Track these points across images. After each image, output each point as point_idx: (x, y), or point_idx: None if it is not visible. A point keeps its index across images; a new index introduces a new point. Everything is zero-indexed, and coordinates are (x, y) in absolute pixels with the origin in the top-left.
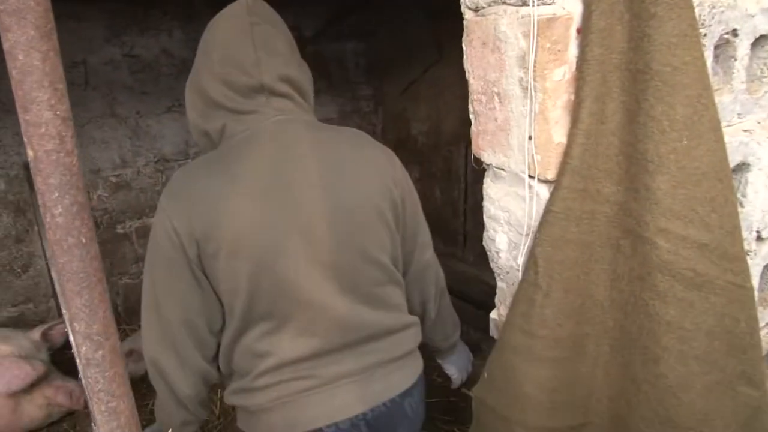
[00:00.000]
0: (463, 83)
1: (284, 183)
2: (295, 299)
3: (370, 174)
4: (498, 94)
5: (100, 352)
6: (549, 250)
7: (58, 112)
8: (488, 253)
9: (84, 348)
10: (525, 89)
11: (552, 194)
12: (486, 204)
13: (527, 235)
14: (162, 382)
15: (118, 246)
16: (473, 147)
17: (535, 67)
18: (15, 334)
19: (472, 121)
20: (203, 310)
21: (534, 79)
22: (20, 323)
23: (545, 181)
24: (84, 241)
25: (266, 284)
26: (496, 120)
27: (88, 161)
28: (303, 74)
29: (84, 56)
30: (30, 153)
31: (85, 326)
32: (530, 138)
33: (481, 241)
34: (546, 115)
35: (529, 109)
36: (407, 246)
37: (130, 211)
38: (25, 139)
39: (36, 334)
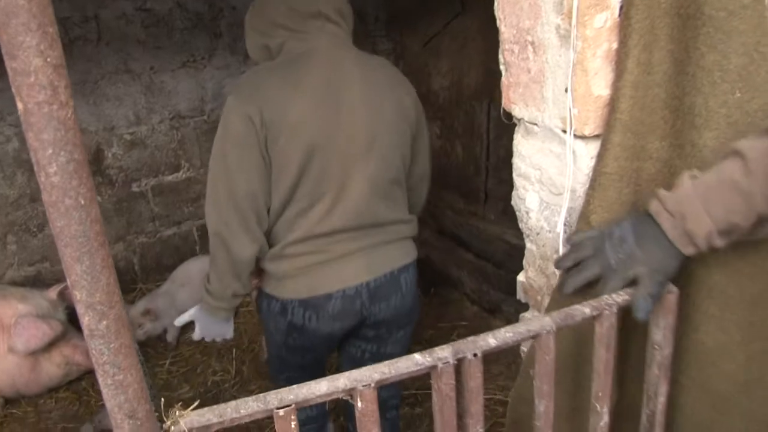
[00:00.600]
0: (487, 36)
1: (335, 91)
2: (328, 185)
3: (397, 93)
4: (532, 43)
5: (104, 323)
6: (605, 215)
7: (48, 59)
8: (517, 213)
9: (87, 318)
10: (562, 37)
11: (602, 154)
12: (516, 161)
13: (560, 194)
14: (224, 251)
15: (134, 204)
16: (503, 100)
17: (574, 12)
18: (32, 294)
19: (503, 73)
20: (264, 187)
21: (573, 26)
22: (37, 282)
23: (582, 137)
24: (83, 202)
25: (311, 169)
26: (529, 71)
27: (102, 118)
28: (349, 10)
29: (96, 11)
30: (20, 105)
31: (86, 295)
32: (567, 90)
33: (503, 199)
34: (585, 66)
35: (567, 59)
36: (414, 158)
37: (145, 168)
38: (13, 90)
39: (53, 293)
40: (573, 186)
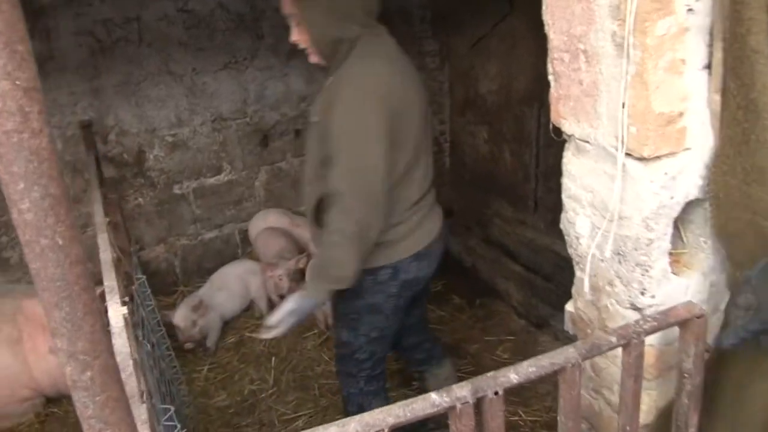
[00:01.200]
0: (538, 38)
1: (409, 79)
2: (419, 158)
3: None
4: (584, 51)
5: (88, 374)
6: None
7: (18, 81)
8: (566, 237)
9: (69, 368)
10: (619, 46)
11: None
12: (565, 181)
13: (612, 221)
14: (360, 238)
15: (176, 206)
16: (552, 114)
17: (633, 18)
18: None
19: (551, 84)
20: (388, 169)
21: (631, 34)
22: None
23: (641, 159)
24: (61, 242)
25: (415, 149)
26: (581, 83)
27: (143, 120)
28: None
29: (137, 12)
30: None
31: (67, 343)
32: (623, 106)
33: (553, 208)
34: (645, 79)
35: (624, 71)
36: None
37: (187, 171)
38: None
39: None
40: (628, 212)
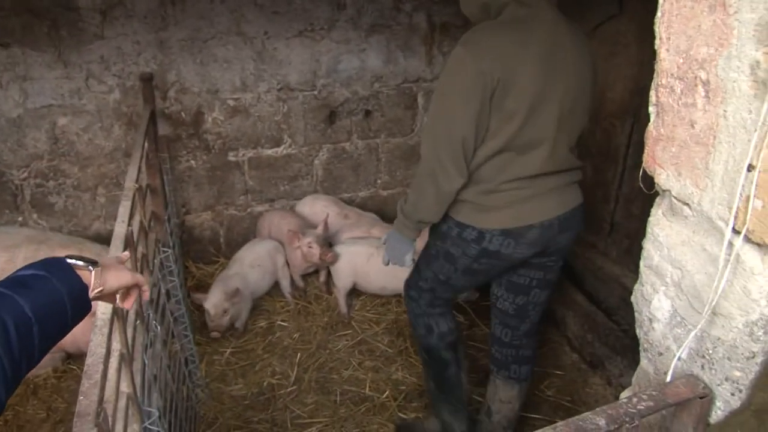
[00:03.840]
0: (644, 46)
1: (554, 54)
2: (542, 136)
3: (591, 59)
4: (705, 83)
5: None
6: None
7: None
8: (636, 315)
9: None
10: (761, 83)
11: None
12: (648, 247)
13: (707, 314)
14: (431, 182)
15: (228, 174)
16: (645, 158)
17: None
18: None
19: (651, 118)
20: (478, 133)
21: None
22: None
23: (761, 245)
24: None
25: (530, 123)
26: (692, 125)
27: (206, 80)
28: None
29: None
30: None
31: None
32: (751, 168)
33: (631, 236)
34: None
35: (762, 119)
36: None
37: (244, 138)
38: None
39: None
40: (727, 310)
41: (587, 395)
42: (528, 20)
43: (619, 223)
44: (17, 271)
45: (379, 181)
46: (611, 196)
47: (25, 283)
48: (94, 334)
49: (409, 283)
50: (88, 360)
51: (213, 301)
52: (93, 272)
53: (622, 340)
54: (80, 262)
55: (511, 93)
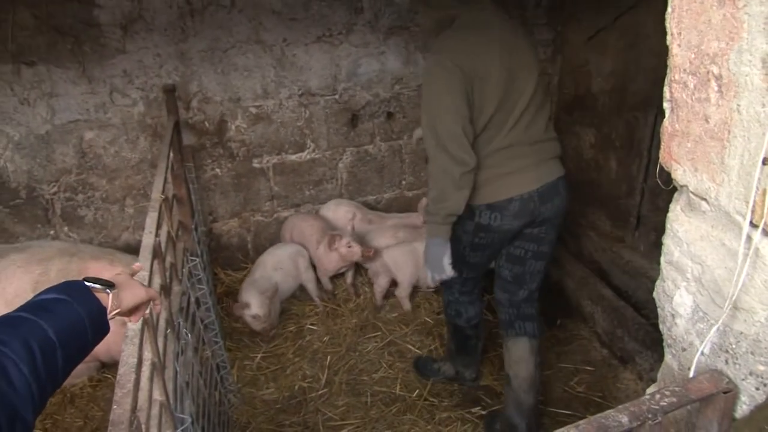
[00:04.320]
0: (664, 36)
1: (505, 46)
2: (509, 115)
3: (530, 41)
4: (718, 78)
5: None
6: None
7: None
8: (659, 311)
9: None
10: None
11: None
12: (668, 243)
13: (729, 308)
14: (449, 176)
15: (253, 181)
16: (662, 154)
17: None
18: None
19: (666, 114)
20: (469, 119)
21: None
22: None
23: None
24: None
25: (500, 106)
26: (706, 120)
27: (228, 89)
28: None
29: None
30: None
31: None
32: (766, 162)
33: (658, 229)
34: None
35: None
36: None
37: (268, 145)
38: None
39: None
40: (748, 304)
41: (618, 390)
42: (481, 23)
43: (646, 217)
44: (38, 295)
45: (404, 182)
46: (636, 190)
47: (48, 308)
48: (125, 344)
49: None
50: (121, 370)
51: (256, 303)
52: (110, 294)
53: (651, 335)
54: (98, 285)
55: (484, 83)
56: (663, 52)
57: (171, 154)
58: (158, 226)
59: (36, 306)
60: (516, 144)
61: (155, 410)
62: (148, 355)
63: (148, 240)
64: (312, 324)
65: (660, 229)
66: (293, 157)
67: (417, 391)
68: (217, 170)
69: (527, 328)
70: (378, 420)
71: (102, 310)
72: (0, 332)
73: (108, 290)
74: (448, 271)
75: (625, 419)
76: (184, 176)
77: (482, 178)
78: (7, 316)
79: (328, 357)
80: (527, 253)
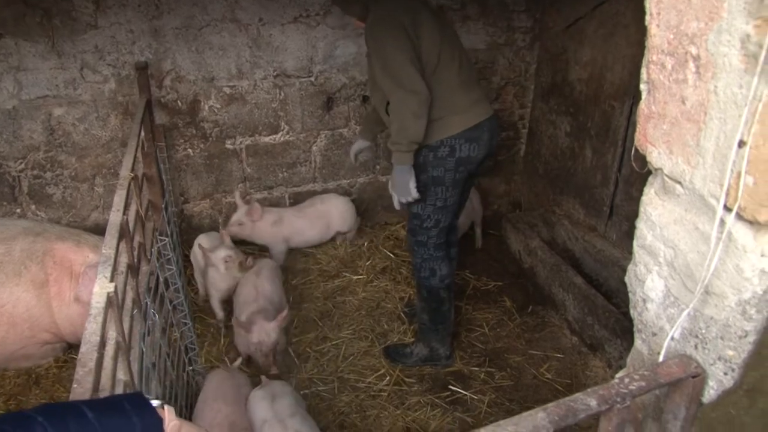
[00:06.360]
0: (643, 26)
1: (430, 9)
2: (455, 58)
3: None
4: (696, 58)
5: None
6: None
7: None
8: (630, 295)
9: None
10: (751, 57)
11: None
12: (641, 226)
13: (700, 293)
14: (407, 107)
15: (226, 162)
16: (637, 136)
17: None
18: None
19: (643, 96)
20: (417, 57)
21: None
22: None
23: (753, 222)
24: None
25: (442, 48)
26: (683, 101)
27: (202, 68)
28: None
29: None
30: None
31: None
32: (742, 144)
33: (630, 218)
34: None
35: (752, 94)
36: None
37: (242, 126)
38: None
39: None
40: (720, 288)
41: (587, 378)
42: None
43: (619, 206)
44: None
45: (378, 167)
46: (611, 179)
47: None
48: (88, 322)
49: (414, 231)
50: (83, 348)
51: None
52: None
53: (621, 323)
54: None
55: (423, 34)
56: (641, 41)
57: (142, 133)
58: (126, 205)
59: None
60: (466, 81)
61: (119, 390)
62: (113, 334)
63: (115, 218)
64: None
65: (633, 219)
66: (267, 139)
67: (387, 378)
68: (190, 150)
69: (452, 253)
70: (347, 405)
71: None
72: None
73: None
74: (414, 194)
75: (593, 402)
76: (155, 155)
77: (451, 109)
78: None
79: (301, 345)
80: (472, 185)
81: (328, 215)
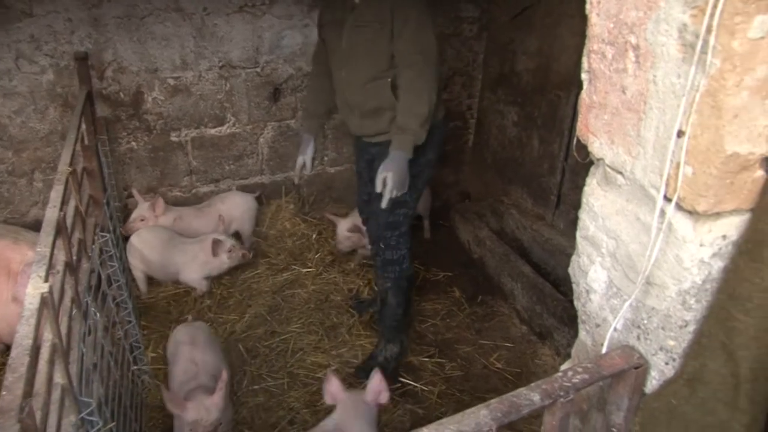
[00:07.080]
0: (586, 16)
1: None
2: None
3: None
4: (635, 47)
5: None
6: None
7: None
8: (574, 287)
9: None
10: (688, 47)
11: None
12: (583, 217)
13: (642, 283)
14: (430, 85)
15: (171, 155)
16: (579, 126)
17: (717, 8)
18: None
19: (584, 85)
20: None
21: (710, 31)
22: None
23: (692, 212)
24: None
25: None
26: (623, 91)
27: (145, 58)
28: None
29: None
30: None
31: None
32: (679, 135)
33: (578, 206)
34: (719, 100)
35: (689, 84)
36: None
37: (186, 118)
38: None
39: None
40: (660, 279)
41: (536, 366)
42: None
43: (566, 195)
44: None
45: (326, 158)
46: (558, 169)
47: None
48: (20, 325)
49: (398, 224)
50: (13, 353)
51: None
52: None
53: (569, 311)
54: None
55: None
56: (585, 31)
57: (83, 126)
58: (65, 201)
59: None
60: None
61: (56, 395)
62: (48, 336)
63: (51, 214)
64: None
65: (579, 208)
66: (213, 131)
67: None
68: (133, 143)
69: None
70: (297, 401)
71: None
72: None
73: None
74: (406, 186)
75: (537, 397)
76: (96, 149)
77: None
78: None
79: (250, 341)
80: None
81: (228, 214)
